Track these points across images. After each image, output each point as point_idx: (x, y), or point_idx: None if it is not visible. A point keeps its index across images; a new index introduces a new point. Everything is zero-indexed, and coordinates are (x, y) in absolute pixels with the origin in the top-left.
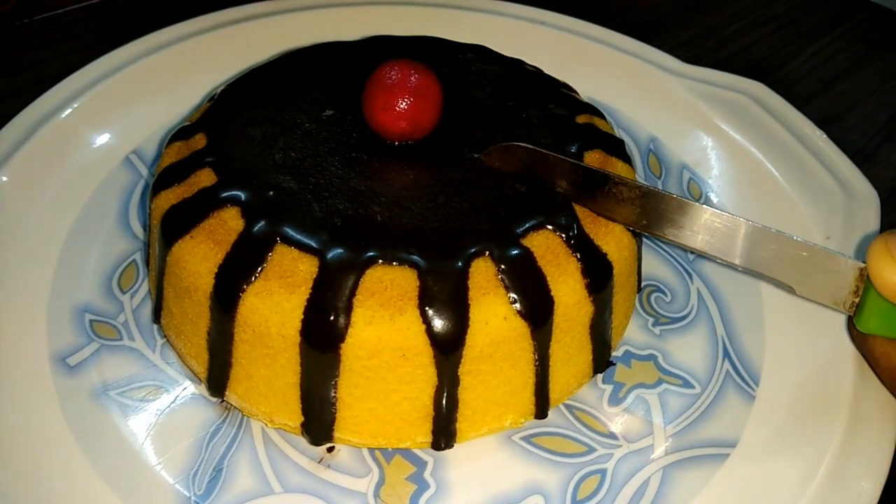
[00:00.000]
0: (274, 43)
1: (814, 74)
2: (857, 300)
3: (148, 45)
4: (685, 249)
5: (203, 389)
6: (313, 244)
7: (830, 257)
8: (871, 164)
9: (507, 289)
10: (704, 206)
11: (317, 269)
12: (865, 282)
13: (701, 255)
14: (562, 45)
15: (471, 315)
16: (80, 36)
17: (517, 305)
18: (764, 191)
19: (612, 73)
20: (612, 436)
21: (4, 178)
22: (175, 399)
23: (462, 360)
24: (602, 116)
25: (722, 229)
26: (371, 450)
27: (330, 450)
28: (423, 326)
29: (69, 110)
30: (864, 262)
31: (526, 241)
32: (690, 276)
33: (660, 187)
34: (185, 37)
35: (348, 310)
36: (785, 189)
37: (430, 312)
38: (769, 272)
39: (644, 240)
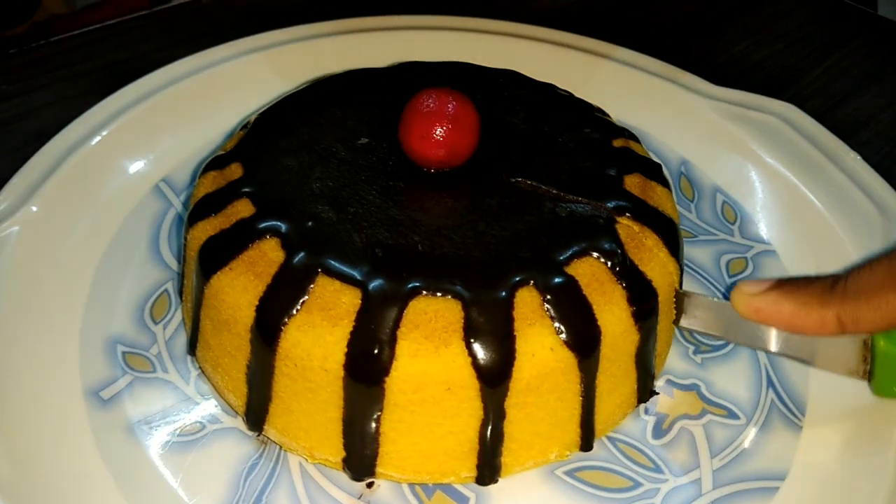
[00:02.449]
0: (303, 68)
1: (826, 91)
2: (868, 367)
3: (176, 71)
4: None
5: (239, 423)
6: (355, 275)
7: None
8: (890, 181)
9: (553, 319)
10: (706, 296)
11: (359, 301)
12: (871, 349)
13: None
14: (589, 69)
15: (517, 347)
16: (96, 57)
17: (564, 336)
18: (800, 213)
19: (640, 96)
20: (658, 469)
21: (34, 208)
22: (211, 433)
23: (508, 393)
24: (637, 140)
25: (729, 316)
26: (412, 485)
27: (370, 485)
28: (469, 359)
29: (98, 138)
30: None
31: (570, 269)
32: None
33: (693, 210)
34: (215, 63)
35: (392, 342)
36: (821, 211)
37: (476, 345)
38: (785, 351)
39: None
